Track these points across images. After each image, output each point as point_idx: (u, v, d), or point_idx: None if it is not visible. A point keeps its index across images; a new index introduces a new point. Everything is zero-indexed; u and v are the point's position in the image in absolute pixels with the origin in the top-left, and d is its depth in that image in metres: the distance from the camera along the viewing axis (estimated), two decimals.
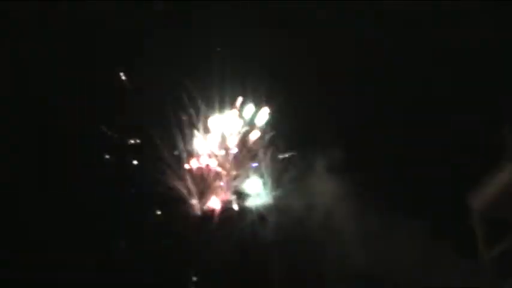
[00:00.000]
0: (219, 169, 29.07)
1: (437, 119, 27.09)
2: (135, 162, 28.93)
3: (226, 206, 29.06)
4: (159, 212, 28.62)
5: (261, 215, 28.34)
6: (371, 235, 27.26)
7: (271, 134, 28.64)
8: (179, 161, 28.92)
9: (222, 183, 29.10)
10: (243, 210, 28.96)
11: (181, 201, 28.80)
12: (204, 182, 29.04)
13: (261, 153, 28.67)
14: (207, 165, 29.08)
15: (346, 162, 27.36)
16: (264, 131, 28.98)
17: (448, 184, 26.43)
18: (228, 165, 29.13)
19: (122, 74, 28.55)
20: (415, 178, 26.81)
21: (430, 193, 26.53)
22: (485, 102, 25.75)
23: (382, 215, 26.69)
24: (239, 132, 29.10)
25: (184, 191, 28.84)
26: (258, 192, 28.78)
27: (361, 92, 28.24)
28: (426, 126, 27.16)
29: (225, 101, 28.86)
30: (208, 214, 28.83)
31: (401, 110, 27.35)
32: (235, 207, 28.96)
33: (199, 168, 29.01)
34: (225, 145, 29.20)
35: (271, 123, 28.92)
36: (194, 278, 28.28)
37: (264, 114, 28.98)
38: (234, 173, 29.22)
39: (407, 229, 26.51)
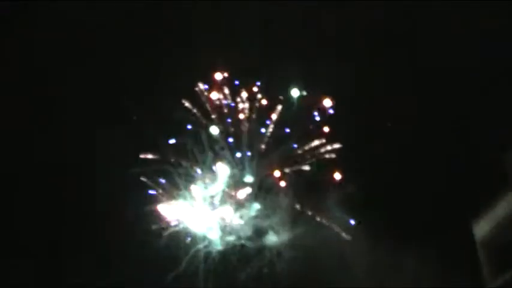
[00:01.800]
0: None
1: (441, 148, 27.09)
2: None
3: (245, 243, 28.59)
4: None
5: (278, 252, 27.93)
6: (378, 264, 27.09)
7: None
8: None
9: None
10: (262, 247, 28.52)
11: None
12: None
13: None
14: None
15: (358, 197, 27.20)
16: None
17: (452, 212, 26.29)
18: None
19: None
20: (418, 206, 26.66)
21: (434, 221, 26.32)
22: (488, 130, 25.85)
23: (386, 245, 26.45)
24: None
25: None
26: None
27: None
28: (429, 154, 27.11)
29: None
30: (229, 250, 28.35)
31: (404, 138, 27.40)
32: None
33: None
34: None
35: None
36: None
37: None
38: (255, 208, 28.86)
39: (412, 258, 26.28)
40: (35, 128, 27.12)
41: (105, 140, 26.86)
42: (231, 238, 28.32)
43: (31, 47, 27.55)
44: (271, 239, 28.33)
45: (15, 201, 27.45)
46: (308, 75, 27.91)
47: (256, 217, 28.59)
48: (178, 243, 28.08)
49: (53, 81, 27.52)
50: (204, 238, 28.31)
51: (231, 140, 28.95)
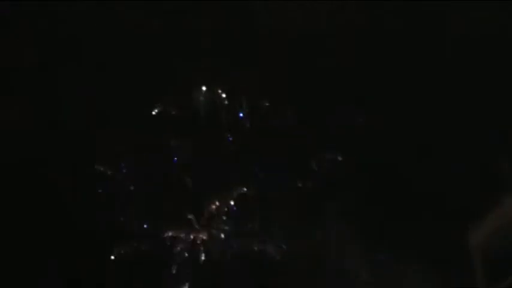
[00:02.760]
0: None
1: (435, 154, 26.61)
2: None
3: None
4: None
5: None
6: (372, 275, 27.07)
7: None
8: None
9: None
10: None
11: None
12: None
13: None
14: None
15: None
16: None
17: (447, 221, 25.81)
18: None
19: None
20: (412, 214, 26.30)
21: (428, 231, 25.90)
22: (483, 135, 25.32)
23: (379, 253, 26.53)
24: None
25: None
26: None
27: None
28: (423, 161, 26.66)
29: None
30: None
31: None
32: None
33: None
34: None
35: None
36: None
37: None
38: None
39: (406, 265, 25.88)
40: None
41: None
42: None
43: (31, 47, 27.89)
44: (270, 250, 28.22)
45: None
46: None
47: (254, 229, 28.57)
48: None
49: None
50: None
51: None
